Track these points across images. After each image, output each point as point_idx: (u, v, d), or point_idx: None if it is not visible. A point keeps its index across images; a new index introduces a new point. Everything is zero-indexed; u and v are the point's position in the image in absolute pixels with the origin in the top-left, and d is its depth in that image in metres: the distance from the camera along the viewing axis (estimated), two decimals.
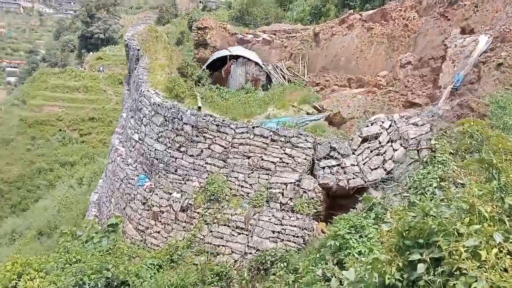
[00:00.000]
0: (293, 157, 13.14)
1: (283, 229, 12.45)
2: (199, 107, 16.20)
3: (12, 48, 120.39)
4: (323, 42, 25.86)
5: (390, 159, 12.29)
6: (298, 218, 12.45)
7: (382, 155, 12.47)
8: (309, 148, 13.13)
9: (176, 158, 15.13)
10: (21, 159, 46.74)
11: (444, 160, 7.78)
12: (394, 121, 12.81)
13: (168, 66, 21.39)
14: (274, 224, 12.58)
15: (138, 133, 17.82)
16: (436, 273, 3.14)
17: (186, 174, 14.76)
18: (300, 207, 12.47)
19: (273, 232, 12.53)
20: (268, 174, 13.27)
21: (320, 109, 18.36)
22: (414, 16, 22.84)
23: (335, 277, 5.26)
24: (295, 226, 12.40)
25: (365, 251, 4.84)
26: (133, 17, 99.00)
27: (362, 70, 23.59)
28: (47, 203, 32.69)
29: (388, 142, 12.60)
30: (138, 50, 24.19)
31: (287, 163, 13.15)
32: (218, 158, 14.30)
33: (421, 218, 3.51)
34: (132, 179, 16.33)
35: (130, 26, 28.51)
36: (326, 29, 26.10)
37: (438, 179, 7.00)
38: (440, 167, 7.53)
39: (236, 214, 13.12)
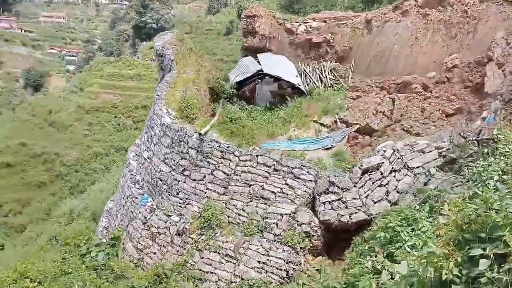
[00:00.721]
0: (294, 189, 12.79)
1: (268, 260, 12.22)
2: (200, 134, 15.42)
3: (70, 37, 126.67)
4: (375, 30, 25.06)
5: (394, 189, 11.67)
6: (285, 251, 12.17)
7: (385, 186, 11.85)
8: (311, 180, 12.77)
9: (179, 181, 15.10)
10: (79, 144, 49.34)
11: (508, 151, 7.29)
12: (397, 149, 12.21)
13: (193, 82, 20.64)
14: (261, 254, 12.41)
15: (148, 151, 17.87)
16: (501, 270, 2.96)
17: (187, 198, 14.74)
18: (289, 239, 12.15)
19: (259, 262, 12.31)
20: (266, 204, 12.98)
21: (340, 124, 17.69)
22: (474, 1, 21.56)
23: (385, 270, 5.14)
24: (280, 258, 12.15)
25: (418, 245, 4.67)
26: (184, 7, 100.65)
27: (416, 60, 22.65)
28: (102, 186, 34.38)
29: (391, 172, 11.95)
30: (172, 60, 23.88)
31: (287, 194, 12.81)
32: (220, 184, 14.13)
33: (484, 211, 3.33)
34: (136, 197, 16.61)
35: (157, 36, 28.22)
36: (378, 16, 25.25)
37: (500, 172, 6.59)
38: (502, 159, 7.07)
39: (227, 241, 13.01)
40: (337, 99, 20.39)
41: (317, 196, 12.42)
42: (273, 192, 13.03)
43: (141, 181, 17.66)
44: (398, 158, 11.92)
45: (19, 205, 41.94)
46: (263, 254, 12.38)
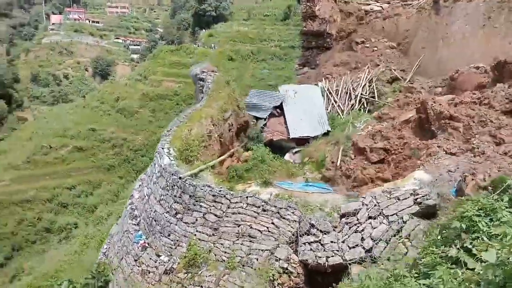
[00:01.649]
0: (279, 228, 13.08)
1: None
2: (180, 177, 15.58)
3: (134, 27, 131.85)
4: (443, 10, 23.75)
5: (368, 236, 11.46)
6: (259, 283, 12.27)
7: (360, 232, 11.70)
8: (295, 221, 13.05)
9: (171, 223, 15.39)
10: (144, 130, 51.71)
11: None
12: (375, 197, 12.21)
13: (212, 118, 20.23)
14: (238, 286, 12.60)
15: (147, 187, 18.00)
16: None
17: (177, 240, 15.06)
18: (264, 273, 12.31)
19: None
20: (251, 241, 13.27)
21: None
22: None
23: (462, 260, 5.02)
24: None
25: (500, 234, 4.48)
26: None
27: (489, 42, 21.23)
28: None
29: (368, 218, 11.82)
30: (209, 88, 24.41)
31: (273, 233, 13.08)
32: (210, 227, 14.36)
33: None
34: (131, 233, 17.07)
35: (195, 64, 28.45)
36: None
37: None
38: None
39: (210, 275, 13.26)
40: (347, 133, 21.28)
41: (300, 237, 12.79)
42: (260, 230, 13.45)
43: (139, 216, 18.02)
44: (375, 205, 12.00)
45: (90, 186, 44.95)
46: (240, 286, 12.77)
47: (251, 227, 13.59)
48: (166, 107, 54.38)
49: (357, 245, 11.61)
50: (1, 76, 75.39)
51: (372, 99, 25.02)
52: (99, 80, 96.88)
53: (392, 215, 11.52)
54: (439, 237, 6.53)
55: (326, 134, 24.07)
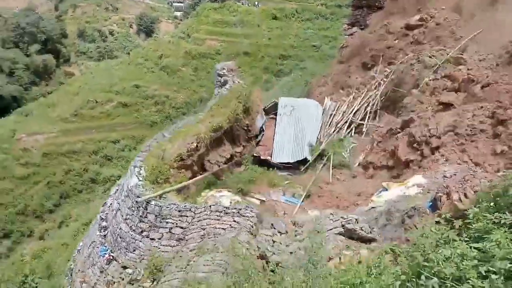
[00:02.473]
0: (240, 223, 14.11)
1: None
2: (160, 196, 15.60)
3: None
4: None
5: (300, 249, 12.34)
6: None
7: (300, 242, 12.79)
8: (252, 216, 14.20)
9: (136, 240, 15.63)
10: (186, 88, 52.12)
11: None
12: (318, 216, 13.46)
13: (198, 137, 18.95)
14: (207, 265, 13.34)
15: (117, 202, 17.67)
16: None
17: (142, 254, 15.35)
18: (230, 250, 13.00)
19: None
20: (216, 238, 14.03)
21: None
22: None
23: None
24: None
25: None
26: None
27: None
28: None
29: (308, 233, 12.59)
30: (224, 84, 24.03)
31: (235, 228, 14.04)
32: (176, 239, 14.79)
33: None
34: (97, 247, 17.21)
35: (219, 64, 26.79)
36: None
37: None
38: None
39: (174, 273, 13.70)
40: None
41: (259, 230, 14.06)
42: (223, 228, 14.29)
43: (106, 228, 18.04)
44: (319, 222, 13.10)
45: (133, 141, 46.28)
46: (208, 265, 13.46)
47: (215, 228, 14.40)
48: (208, 66, 54.28)
49: (293, 252, 12.61)
50: (49, 31, 77.42)
51: (363, 122, 22.80)
52: (143, 37, 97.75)
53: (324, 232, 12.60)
54: (491, 204, 6.15)
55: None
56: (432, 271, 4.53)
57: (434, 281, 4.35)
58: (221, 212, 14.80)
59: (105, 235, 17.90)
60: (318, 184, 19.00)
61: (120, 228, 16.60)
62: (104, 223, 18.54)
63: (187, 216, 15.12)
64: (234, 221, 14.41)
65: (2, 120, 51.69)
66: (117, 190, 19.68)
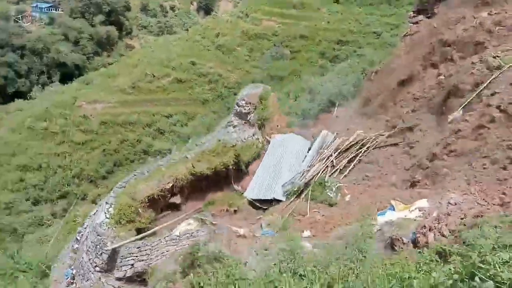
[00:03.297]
0: (196, 237, 15.57)
1: None
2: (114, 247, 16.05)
3: None
4: None
5: None
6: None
7: None
8: (205, 234, 15.41)
9: (89, 272, 16.62)
10: (240, 68, 52.25)
11: None
12: None
13: (176, 179, 18.75)
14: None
15: (89, 228, 18.46)
16: None
17: (91, 286, 16.25)
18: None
19: None
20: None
21: None
22: None
23: None
24: None
25: None
26: None
27: None
28: None
29: None
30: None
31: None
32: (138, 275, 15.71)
33: None
34: (66, 269, 18.31)
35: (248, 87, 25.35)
36: None
37: None
38: None
39: None
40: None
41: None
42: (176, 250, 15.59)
43: (76, 252, 19.04)
44: None
45: (186, 117, 47.37)
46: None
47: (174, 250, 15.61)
48: (263, 47, 54.03)
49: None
50: (114, 3, 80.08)
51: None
52: (203, 14, 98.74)
53: None
54: None
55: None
56: (488, 274, 4.25)
57: (490, 284, 4.07)
58: (175, 239, 16.24)
59: (74, 258, 19.27)
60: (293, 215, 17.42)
61: (82, 258, 17.93)
62: (76, 245, 19.84)
63: (146, 250, 16.19)
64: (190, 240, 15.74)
65: (65, 87, 54.66)
66: (95, 213, 20.52)
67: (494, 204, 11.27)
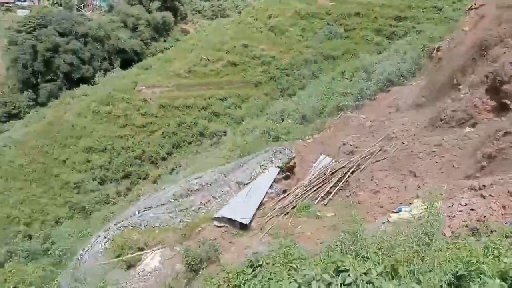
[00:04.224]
0: None
1: None
2: None
3: None
4: None
5: None
6: None
7: None
8: None
9: None
10: (292, 49, 51.81)
11: None
12: None
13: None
14: None
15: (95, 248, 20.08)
16: None
17: None
18: None
19: None
20: None
21: None
22: None
23: None
24: None
25: None
26: None
27: None
28: (311, 91, 36.05)
29: None
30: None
31: None
32: None
33: None
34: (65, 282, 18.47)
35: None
36: None
37: None
38: None
39: None
40: None
41: None
42: None
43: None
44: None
45: (239, 99, 48.04)
46: None
47: None
48: (316, 27, 53.10)
49: None
50: None
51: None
52: None
53: None
54: None
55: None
56: None
57: None
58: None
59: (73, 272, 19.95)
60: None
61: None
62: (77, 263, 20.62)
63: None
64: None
65: (125, 72, 57.15)
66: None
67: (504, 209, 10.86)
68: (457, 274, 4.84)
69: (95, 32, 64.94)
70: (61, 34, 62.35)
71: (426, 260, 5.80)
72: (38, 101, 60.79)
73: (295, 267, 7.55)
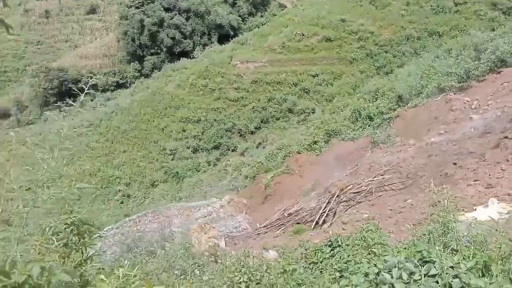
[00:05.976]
0: None
1: None
2: None
3: None
4: None
5: None
6: None
7: None
8: None
9: None
10: (393, 24, 48.63)
11: None
12: None
13: None
14: None
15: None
16: None
17: None
18: None
19: None
20: None
21: None
22: None
23: None
24: None
25: None
26: None
27: None
28: (411, 69, 33.49)
29: None
30: None
31: None
32: None
33: None
34: None
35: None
36: None
37: None
38: None
39: None
40: None
41: None
42: None
43: None
44: None
45: (331, 76, 46.67)
46: None
47: None
48: (422, 0, 49.05)
49: None
50: None
51: None
52: None
53: None
54: None
55: None
56: None
57: None
58: None
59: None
60: None
61: None
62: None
63: None
64: None
65: (222, 47, 58.71)
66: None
67: None
68: None
69: (197, 7, 67.38)
70: (166, 9, 65.92)
71: None
72: (143, 73, 65.55)
73: (375, 252, 7.33)
